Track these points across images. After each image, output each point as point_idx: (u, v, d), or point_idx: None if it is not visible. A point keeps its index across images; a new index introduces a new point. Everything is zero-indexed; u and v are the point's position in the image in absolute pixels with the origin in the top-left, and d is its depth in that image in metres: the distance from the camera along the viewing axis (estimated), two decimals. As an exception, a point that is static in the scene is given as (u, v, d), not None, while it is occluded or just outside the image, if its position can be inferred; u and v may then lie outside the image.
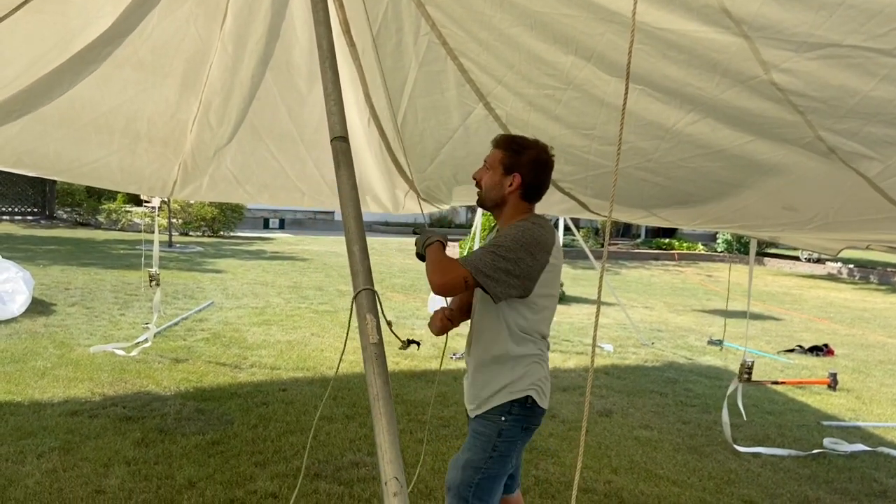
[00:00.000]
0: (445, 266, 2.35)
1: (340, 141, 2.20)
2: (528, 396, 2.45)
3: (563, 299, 11.69)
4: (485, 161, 2.59)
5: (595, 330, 1.57)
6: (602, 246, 23.18)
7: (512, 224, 2.49)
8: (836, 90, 2.06)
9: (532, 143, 2.57)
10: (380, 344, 1.85)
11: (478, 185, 2.60)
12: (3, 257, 8.25)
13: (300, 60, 3.46)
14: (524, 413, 2.46)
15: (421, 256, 2.48)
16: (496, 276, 2.33)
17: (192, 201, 18.71)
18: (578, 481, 1.47)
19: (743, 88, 2.25)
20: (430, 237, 2.47)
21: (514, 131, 3.50)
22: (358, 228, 2.05)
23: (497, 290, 2.35)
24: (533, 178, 2.55)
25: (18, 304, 7.54)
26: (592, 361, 1.69)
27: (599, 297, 1.64)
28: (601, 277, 1.61)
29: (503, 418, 2.45)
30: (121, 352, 6.34)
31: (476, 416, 2.53)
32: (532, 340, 2.49)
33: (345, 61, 3.46)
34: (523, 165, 2.53)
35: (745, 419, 5.39)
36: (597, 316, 1.68)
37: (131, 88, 3.52)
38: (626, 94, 1.60)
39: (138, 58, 3.32)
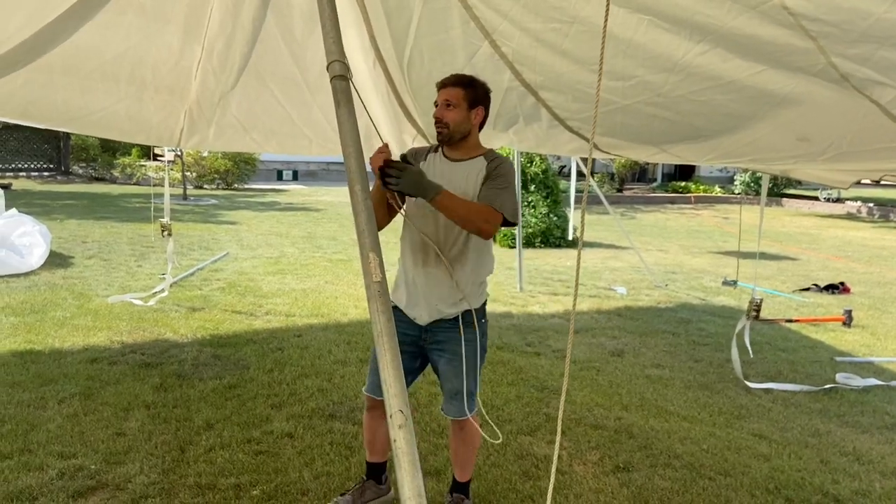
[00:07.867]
0: (487, 212, 2.63)
1: (340, 80, 2.17)
2: None
3: (576, 243, 11.66)
4: (447, 101, 2.74)
5: (577, 271, 1.56)
6: (618, 191, 22.99)
7: (495, 160, 2.77)
8: (849, 13, 2.00)
9: (476, 77, 2.81)
10: (383, 282, 1.86)
11: (442, 124, 2.74)
12: (21, 212, 8.33)
13: (301, 0, 3.39)
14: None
15: (402, 192, 2.59)
16: (517, 211, 2.77)
17: (205, 154, 18.66)
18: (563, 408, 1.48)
19: (754, 14, 2.19)
20: (433, 184, 2.56)
21: (522, 69, 3.44)
22: (359, 168, 2.04)
23: (516, 220, 2.77)
24: (489, 108, 2.84)
25: (36, 256, 7.65)
26: (575, 300, 1.69)
27: (581, 235, 1.62)
28: (583, 213, 1.59)
29: None
30: (138, 301, 6.43)
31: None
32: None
33: (348, 1, 3.40)
34: (482, 98, 2.79)
35: (751, 356, 5.40)
36: (578, 254, 1.67)
37: (134, 35, 3.47)
38: (606, 12, 1.55)
39: (139, 3, 3.27)
